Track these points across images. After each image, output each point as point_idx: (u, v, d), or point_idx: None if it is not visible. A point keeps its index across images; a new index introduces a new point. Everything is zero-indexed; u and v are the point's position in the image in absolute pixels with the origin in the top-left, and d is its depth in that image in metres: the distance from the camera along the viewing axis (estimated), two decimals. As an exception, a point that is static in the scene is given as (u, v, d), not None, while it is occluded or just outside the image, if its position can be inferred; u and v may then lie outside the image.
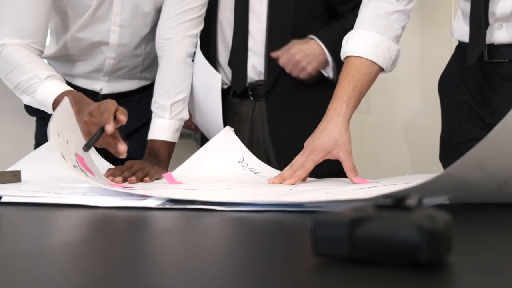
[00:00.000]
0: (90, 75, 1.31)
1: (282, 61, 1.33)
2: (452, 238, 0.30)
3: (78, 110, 0.96)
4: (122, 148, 0.91)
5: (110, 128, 0.87)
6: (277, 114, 1.37)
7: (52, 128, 0.79)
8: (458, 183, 0.52)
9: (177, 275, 0.30)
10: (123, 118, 0.92)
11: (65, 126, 0.84)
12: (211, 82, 1.28)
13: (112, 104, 0.92)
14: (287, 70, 1.34)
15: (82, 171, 0.80)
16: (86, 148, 0.85)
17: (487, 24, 1.04)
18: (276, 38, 1.34)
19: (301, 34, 1.35)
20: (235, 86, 1.39)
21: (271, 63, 1.35)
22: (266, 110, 1.37)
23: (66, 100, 0.89)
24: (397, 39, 1.05)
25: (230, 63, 1.39)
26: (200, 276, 0.30)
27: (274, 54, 1.33)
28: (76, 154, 0.83)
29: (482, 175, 0.51)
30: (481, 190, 0.56)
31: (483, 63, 1.12)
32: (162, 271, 0.31)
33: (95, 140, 0.88)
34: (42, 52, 1.14)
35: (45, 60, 1.23)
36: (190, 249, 0.39)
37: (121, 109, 0.93)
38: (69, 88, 1.06)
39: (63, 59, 1.30)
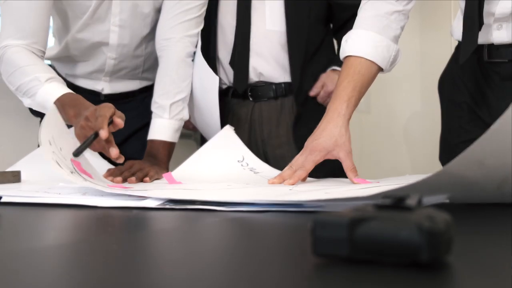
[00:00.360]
0: (92, 76, 1.31)
1: (319, 97, 1.40)
2: (452, 238, 0.30)
3: (76, 113, 0.96)
4: (113, 152, 0.90)
5: (104, 133, 0.87)
6: (301, 114, 1.40)
7: (44, 137, 0.79)
8: (458, 181, 0.52)
9: (177, 275, 0.30)
10: (120, 121, 0.91)
11: (56, 134, 0.84)
12: (208, 84, 1.28)
13: (108, 108, 0.91)
14: (321, 101, 1.40)
15: (80, 175, 0.80)
16: (76, 154, 0.84)
17: (480, 24, 1.04)
18: (294, 41, 1.37)
19: (312, 38, 1.39)
20: (237, 85, 1.39)
21: (294, 66, 1.38)
22: (295, 109, 1.40)
23: (52, 108, 0.89)
24: (396, 39, 1.05)
25: (231, 63, 1.39)
26: (200, 276, 0.29)
27: (312, 94, 1.40)
28: (71, 159, 0.83)
29: (482, 172, 0.51)
30: (481, 189, 0.56)
31: (482, 63, 1.12)
32: (161, 271, 0.31)
33: (86, 146, 0.87)
34: (44, 52, 1.14)
35: (48, 61, 1.23)
36: (190, 249, 0.39)
37: (119, 112, 0.93)
38: (69, 90, 1.06)
39: (65, 60, 1.30)
